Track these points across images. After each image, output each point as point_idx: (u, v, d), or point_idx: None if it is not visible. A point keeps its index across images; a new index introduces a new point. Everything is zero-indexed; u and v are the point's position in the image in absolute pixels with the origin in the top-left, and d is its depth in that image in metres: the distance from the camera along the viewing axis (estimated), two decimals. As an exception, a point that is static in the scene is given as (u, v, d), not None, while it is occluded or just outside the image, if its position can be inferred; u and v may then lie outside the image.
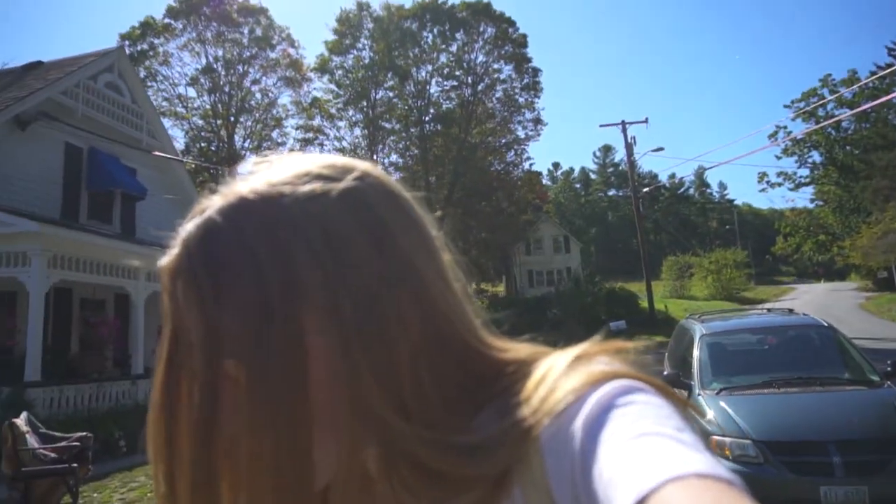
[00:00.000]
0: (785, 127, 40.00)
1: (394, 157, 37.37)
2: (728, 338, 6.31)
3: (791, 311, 7.51)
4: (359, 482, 0.48)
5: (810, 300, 33.39)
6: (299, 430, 0.44)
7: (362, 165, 0.52)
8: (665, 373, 6.24)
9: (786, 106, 41.29)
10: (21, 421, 6.12)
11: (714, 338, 6.08)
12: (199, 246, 0.46)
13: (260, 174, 0.49)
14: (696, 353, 5.82)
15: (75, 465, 5.99)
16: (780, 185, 45.81)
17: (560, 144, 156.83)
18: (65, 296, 12.18)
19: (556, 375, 0.46)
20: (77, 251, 10.53)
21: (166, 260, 0.47)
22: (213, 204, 0.47)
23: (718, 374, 5.50)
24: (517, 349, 0.53)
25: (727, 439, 4.49)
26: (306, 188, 0.47)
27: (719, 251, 44.86)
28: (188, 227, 0.47)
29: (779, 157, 44.61)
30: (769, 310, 8.32)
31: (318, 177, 0.48)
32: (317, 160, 0.51)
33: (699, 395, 5.21)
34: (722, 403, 4.89)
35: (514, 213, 37.92)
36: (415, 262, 0.49)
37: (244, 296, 0.44)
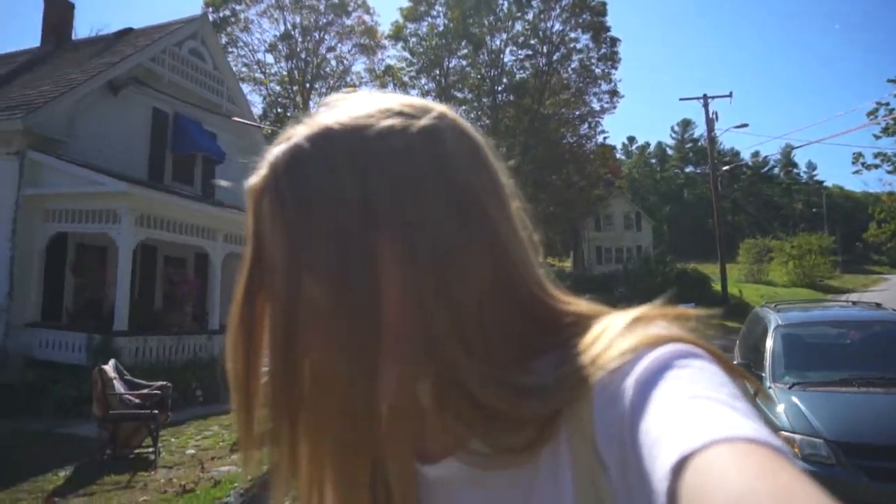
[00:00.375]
0: (887, 104, 36.66)
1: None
2: (805, 330, 5.98)
3: (879, 305, 7.02)
4: (413, 411, 0.50)
5: (903, 292, 31.11)
6: (369, 353, 0.45)
7: (440, 107, 0.53)
8: (735, 362, 5.99)
9: (890, 81, 37.70)
10: (109, 367, 6.62)
11: (790, 329, 5.77)
12: (285, 167, 0.48)
13: (343, 107, 0.51)
14: (769, 343, 5.55)
15: (156, 411, 6.44)
16: (877, 167, 42.12)
17: (636, 118, 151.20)
18: (150, 253, 12.96)
19: (614, 334, 0.47)
20: (162, 211, 11.13)
21: (254, 180, 0.50)
22: (299, 131, 0.50)
23: (792, 368, 5.23)
24: (578, 303, 0.53)
25: (797, 436, 4.29)
26: (387, 122, 0.49)
27: (803, 235, 42.33)
28: (275, 150, 0.50)
29: (878, 137, 41.02)
30: (854, 303, 7.81)
31: (399, 113, 0.50)
32: (397, 98, 0.53)
33: (770, 388, 4.99)
34: (794, 398, 4.67)
35: (584, 188, 37.04)
36: (486, 205, 0.50)
37: (326, 218, 0.46)
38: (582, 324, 0.50)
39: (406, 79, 36.67)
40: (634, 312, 0.49)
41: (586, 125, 37.79)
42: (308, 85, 35.07)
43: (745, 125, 27.31)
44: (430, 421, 0.52)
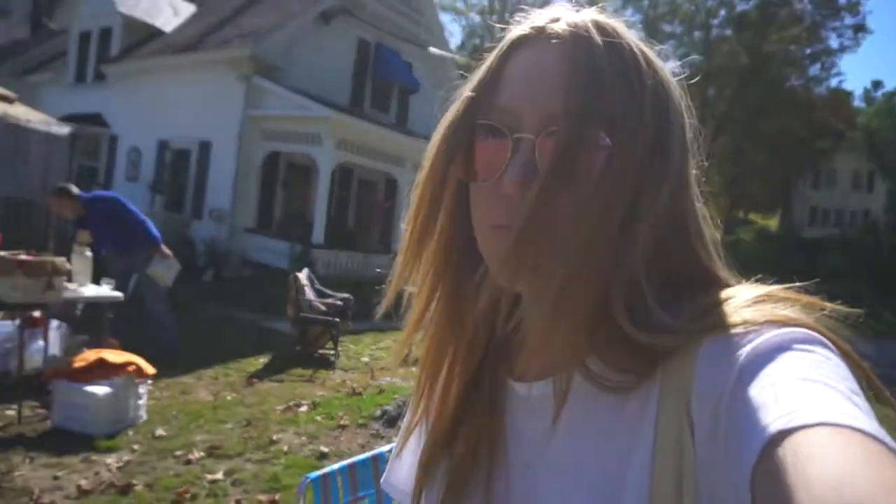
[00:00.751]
0: None
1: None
2: None
3: None
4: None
5: None
6: (588, 233, 0.47)
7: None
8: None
9: None
10: (303, 275, 7.42)
11: None
12: (598, 29, 0.53)
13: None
14: None
15: (338, 319, 7.13)
16: None
17: (886, 59, 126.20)
18: (347, 175, 14.08)
19: (741, 303, 0.47)
20: (358, 137, 11.94)
21: (554, 26, 0.54)
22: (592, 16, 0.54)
23: None
24: (727, 277, 0.53)
25: None
26: (638, 42, 0.55)
27: None
28: (587, 16, 0.54)
29: None
30: None
31: (651, 48, 0.56)
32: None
33: None
34: None
35: (806, 138, 32.39)
36: (684, 152, 0.53)
37: (625, 89, 0.49)
38: (719, 287, 0.51)
39: (610, 9, 34.36)
40: (766, 289, 0.48)
41: (818, 65, 32.62)
42: (507, 16, 34.54)
43: None
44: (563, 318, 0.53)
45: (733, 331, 0.43)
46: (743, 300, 0.47)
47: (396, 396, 5.41)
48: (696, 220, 0.53)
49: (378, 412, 5.02)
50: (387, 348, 8.30)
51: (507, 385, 0.59)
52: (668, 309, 0.48)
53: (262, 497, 3.47)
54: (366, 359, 7.54)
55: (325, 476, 1.61)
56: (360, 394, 5.73)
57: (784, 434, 0.34)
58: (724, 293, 0.49)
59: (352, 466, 1.70)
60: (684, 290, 0.50)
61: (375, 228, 14.35)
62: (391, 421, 4.76)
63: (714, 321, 0.45)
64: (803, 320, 0.43)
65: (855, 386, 0.38)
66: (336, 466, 1.67)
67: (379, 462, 1.77)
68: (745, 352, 0.41)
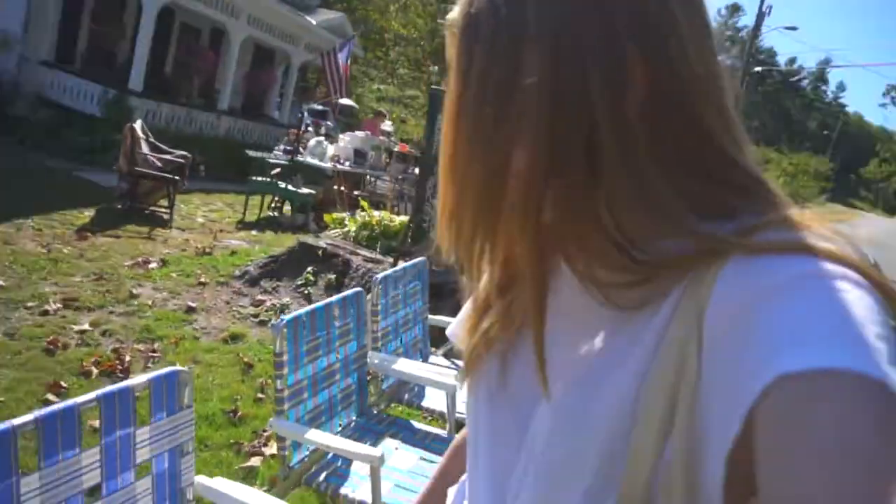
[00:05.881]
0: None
1: None
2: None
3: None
4: (531, 214, 0.47)
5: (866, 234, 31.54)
6: (501, 140, 0.45)
7: None
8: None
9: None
10: (138, 126, 6.85)
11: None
12: None
13: None
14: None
15: (177, 177, 6.82)
16: (905, 105, 41.23)
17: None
18: (168, 16, 12.43)
19: (778, 226, 0.43)
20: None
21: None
22: None
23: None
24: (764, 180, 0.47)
25: None
26: None
27: (805, 154, 42.30)
28: None
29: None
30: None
31: None
32: None
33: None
34: None
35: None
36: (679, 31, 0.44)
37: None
38: (761, 195, 0.46)
39: None
40: (816, 217, 0.44)
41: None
42: None
43: (794, 28, 26.04)
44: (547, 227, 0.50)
45: (762, 254, 0.40)
46: (783, 223, 0.43)
47: (253, 259, 5.56)
48: (716, 115, 0.46)
49: (237, 272, 5.17)
50: (220, 210, 8.16)
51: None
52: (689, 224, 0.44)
53: (141, 346, 3.60)
54: (200, 219, 7.38)
55: (295, 319, 1.95)
56: (209, 253, 5.76)
57: (792, 376, 0.33)
58: (769, 212, 0.44)
59: (312, 312, 2.06)
60: (721, 198, 0.45)
61: (196, 80, 13.09)
62: (253, 281, 4.98)
63: (740, 241, 0.41)
64: (843, 254, 0.39)
65: (883, 329, 0.35)
66: (302, 311, 2.01)
67: (331, 308, 2.14)
68: (768, 279, 0.38)
